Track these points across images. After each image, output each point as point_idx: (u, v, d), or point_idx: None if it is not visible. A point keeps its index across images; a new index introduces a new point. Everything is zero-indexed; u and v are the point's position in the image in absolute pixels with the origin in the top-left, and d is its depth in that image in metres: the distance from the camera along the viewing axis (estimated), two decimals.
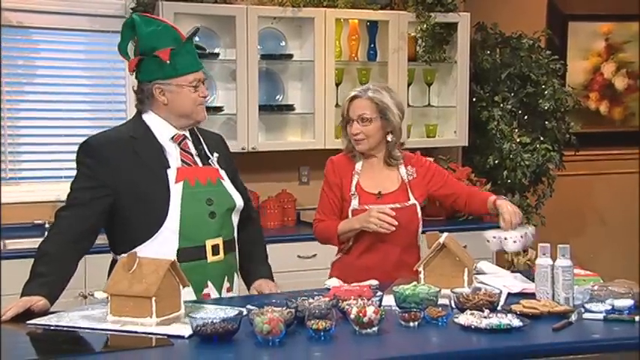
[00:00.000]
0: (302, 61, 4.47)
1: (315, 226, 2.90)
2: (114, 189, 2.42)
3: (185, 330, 2.07)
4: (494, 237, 2.70)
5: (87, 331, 2.12)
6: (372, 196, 2.80)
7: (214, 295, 2.49)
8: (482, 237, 2.74)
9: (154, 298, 2.13)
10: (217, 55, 4.29)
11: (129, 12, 4.12)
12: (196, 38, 2.57)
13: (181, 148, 2.53)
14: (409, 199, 2.81)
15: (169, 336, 2.06)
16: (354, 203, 2.80)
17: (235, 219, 2.60)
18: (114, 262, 2.51)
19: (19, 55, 4.12)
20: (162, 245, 2.40)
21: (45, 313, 2.27)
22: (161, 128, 2.51)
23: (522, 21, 4.95)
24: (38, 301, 2.28)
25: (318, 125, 4.39)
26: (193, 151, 2.57)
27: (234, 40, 4.21)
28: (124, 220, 2.44)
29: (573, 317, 2.21)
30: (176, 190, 2.44)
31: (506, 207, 2.73)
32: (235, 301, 2.44)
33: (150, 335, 2.07)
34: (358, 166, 2.85)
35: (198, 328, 2.02)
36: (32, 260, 3.51)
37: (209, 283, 2.48)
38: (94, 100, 4.30)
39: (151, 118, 2.53)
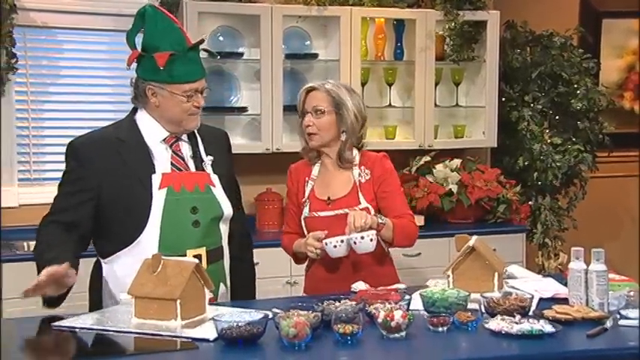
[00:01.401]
0: (327, 60, 4.43)
1: (281, 239, 2.87)
2: (96, 192, 2.39)
3: (210, 333, 2.05)
4: (325, 243, 2.59)
5: (111, 333, 2.12)
6: (322, 203, 2.73)
7: None
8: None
9: (178, 301, 2.12)
10: (241, 54, 4.27)
11: None
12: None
13: (173, 151, 2.47)
14: (359, 203, 2.69)
15: (194, 339, 2.04)
16: (305, 211, 2.74)
17: (224, 227, 2.52)
18: (97, 267, 2.49)
19: (44, 55, 4.13)
20: (142, 253, 2.31)
21: (64, 296, 2.23)
22: (152, 130, 2.46)
23: (554, 18, 4.87)
24: (60, 267, 2.15)
25: None
26: (187, 153, 2.50)
27: (259, 40, 4.18)
28: (106, 225, 2.40)
29: (608, 323, 2.17)
30: (159, 197, 2.39)
31: (355, 212, 2.60)
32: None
33: (174, 338, 2.06)
34: (315, 171, 2.79)
35: (224, 331, 2.00)
36: None
37: None
38: (117, 100, 4.29)
39: (142, 119, 2.47)
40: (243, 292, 2.63)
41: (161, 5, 4.07)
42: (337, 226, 2.60)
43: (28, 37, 4.02)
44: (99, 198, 2.39)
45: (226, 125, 4.28)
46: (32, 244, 3.84)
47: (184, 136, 2.51)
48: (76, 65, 4.19)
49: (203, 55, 2.54)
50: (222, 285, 2.53)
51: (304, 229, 2.74)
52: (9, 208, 3.95)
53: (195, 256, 2.38)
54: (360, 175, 2.74)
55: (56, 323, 2.19)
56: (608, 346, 2.06)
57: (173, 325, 2.11)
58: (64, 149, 4.10)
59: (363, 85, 4.40)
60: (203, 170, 2.50)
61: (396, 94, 4.61)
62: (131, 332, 2.10)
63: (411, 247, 2.83)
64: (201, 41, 2.48)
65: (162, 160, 2.44)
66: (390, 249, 2.81)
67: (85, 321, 2.21)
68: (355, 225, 2.52)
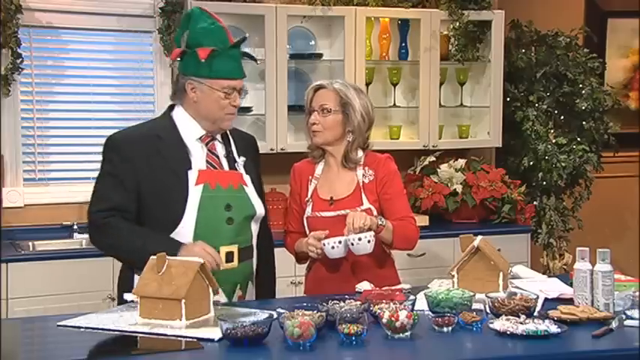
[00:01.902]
0: (332, 60, 4.43)
1: (283, 239, 2.86)
2: (136, 186, 2.42)
3: (215, 333, 2.04)
4: (323, 244, 2.58)
5: (116, 333, 2.12)
6: (324, 203, 2.71)
7: (224, 301, 2.44)
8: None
9: (183, 301, 2.12)
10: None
11: (157, 11, 4.12)
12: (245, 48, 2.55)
13: (208, 149, 2.51)
14: (362, 204, 2.67)
15: (199, 339, 2.04)
16: (308, 210, 2.72)
17: (254, 227, 2.56)
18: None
19: (49, 55, 4.13)
20: None
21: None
22: (188, 127, 2.50)
23: (559, 18, 4.86)
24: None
25: None
26: (221, 152, 2.54)
27: (263, 40, 4.18)
28: (143, 219, 2.43)
29: (614, 324, 2.16)
30: (195, 193, 2.42)
31: (354, 213, 2.58)
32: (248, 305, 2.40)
33: (179, 338, 2.06)
34: (318, 170, 2.77)
35: (228, 331, 1.99)
36: (61, 261, 3.53)
37: (219, 290, 2.39)
38: (122, 100, 4.30)
39: (179, 115, 2.52)
40: (265, 292, 2.66)
41: (166, 5, 4.08)
42: (339, 227, 2.59)
43: (34, 38, 4.02)
44: (139, 192, 2.42)
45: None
46: (37, 243, 3.89)
47: (218, 136, 2.55)
48: (81, 65, 4.19)
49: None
50: (250, 284, 2.57)
51: (306, 228, 2.74)
52: (14, 208, 3.96)
53: (228, 253, 2.42)
54: (364, 175, 2.73)
55: (61, 322, 2.19)
56: (614, 347, 2.05)
57: (178, 325, 2.11)
58: (69, 149, 4.18)
59: (367, 85, 4.39)
60: (236, 170, 2.54)
61: (401, 94, 4.59)
62: (136, 332, 2.10)
63: (411, 250, 2.81)
64: (244, 39, 2.53)
65: (198, 157, 2.48)
66: (392, 251, 2.80)
67: (90, 320, 2.21)
68: (354, 226, 2.51)
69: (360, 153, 2.75)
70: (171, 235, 2.40)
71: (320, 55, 4.40)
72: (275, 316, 2.08)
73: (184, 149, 2.47)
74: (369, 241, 2.54)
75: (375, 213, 2.66)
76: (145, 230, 2.41)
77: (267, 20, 4.15)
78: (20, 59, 3.87)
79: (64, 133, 4.17)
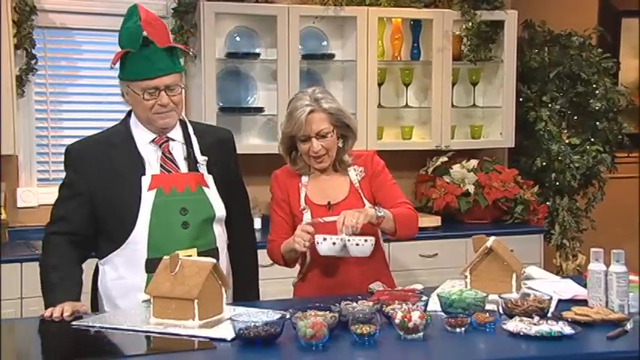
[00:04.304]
0: (344, 61, 4.43)
1: (266, 248, 2.71)
2: (89, 197, 2.41)
3: (228, 333, 2.05)
4: (317, 241, 2.48)
5: (129, 332, 2.12)
6: (322, 208, 2.60)
7: None
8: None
9: (196, 301, 2.12)
10: (258, 55, 4.27)
11: (170, 12, 4.13)
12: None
13: (162, 152, 2.45)
14: (364, 205, 2.58)
15: (212, 339, 2.04)
16: (307, 217, 2.59)
17: (217, 228, 2.48)
18: (96, 268, 2.50)
19: (63, 56, 4.15)
20: (132, 255, 2.36)
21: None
22: (140, 131, 2.46)
23: (572, 18, 4.84)
24: (82, 306, 2.30)
25: (361, 126, 4.27)
26: (180, 154, 2.47)
27: (275, 40, 4.18)
28: (99, 227, 2.43)
29: (629, 325, 2.14)
30: (147, 199, 2.38)
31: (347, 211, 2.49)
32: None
33: (192, 338, 2.06)
34: (304, 178, 2.66)
35: (241, 331, 2.00)
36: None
37: None
38: None
39: (133, 121, 2.49)
40: (248, 294, 2.61)
41: (178, 6, 4.09)
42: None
43: (48, 39, 4.04)
44: (91, 202, 2.41)
45: (243, 125, 4.29)
46: None
47: (178, 137, 2.49)
48: (94, 66, 4.20)
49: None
50: None
51: None
52: (28, 207, 3.98)
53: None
54: (356, 175, 2.66)
55: (75, 322, 2.20)
56: (629, 349, 2.03)
57: (191, 325, 2.11)
58: None
59: (379, 85, 4.39)
60: (197, 171, 2.47)
61: (413, 94, 4.59)
62: (149, 332, 2.11)
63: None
64: (145, 38, 2.37)
65: (152, 161, 2.44)
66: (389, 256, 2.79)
67: (104, 320, 2.22)
68: (345, 224, 2.42)
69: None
70: (127, 242, 2.37)
71: (332, 56, 4.40)
72: (288, 316, 2.08)
73: (138, 155, 2.42)
74: (366, 242, 2.45)
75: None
76: (64, 266, 2.38)
77: (279, 21, 4.16)
78: (34, 60, 3.89)
79: (78, 133, 4.13)
